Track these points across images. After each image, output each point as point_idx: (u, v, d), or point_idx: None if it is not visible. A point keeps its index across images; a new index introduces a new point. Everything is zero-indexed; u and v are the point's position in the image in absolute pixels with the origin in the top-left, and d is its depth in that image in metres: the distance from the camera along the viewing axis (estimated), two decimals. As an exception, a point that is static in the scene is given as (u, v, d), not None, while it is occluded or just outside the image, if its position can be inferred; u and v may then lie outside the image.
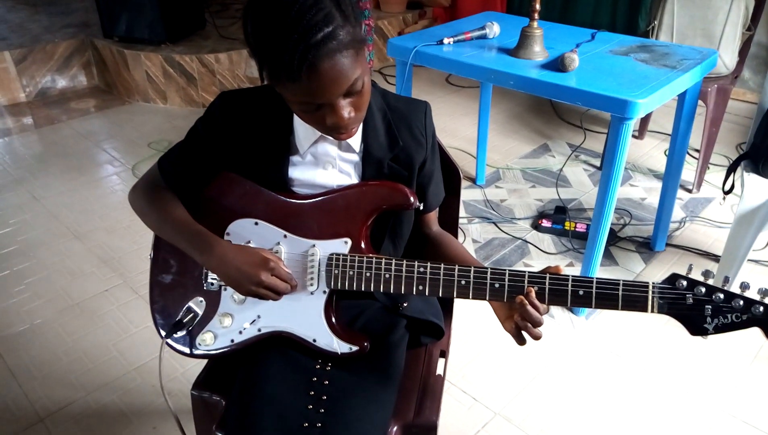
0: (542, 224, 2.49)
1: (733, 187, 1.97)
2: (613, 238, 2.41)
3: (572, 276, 0.94)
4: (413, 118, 1.08)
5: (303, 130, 1.04)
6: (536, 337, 0.93)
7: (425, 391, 1.15)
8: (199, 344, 1.11)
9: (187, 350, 1.13)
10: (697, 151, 2.76)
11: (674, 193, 2.28)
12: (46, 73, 3.99)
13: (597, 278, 0.93)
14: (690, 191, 2.76)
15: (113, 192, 2.88)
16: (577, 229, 2.44)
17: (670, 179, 2.25)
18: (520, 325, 0.93)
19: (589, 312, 2.03)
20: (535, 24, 1.95)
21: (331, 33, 0.82)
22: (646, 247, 2.39)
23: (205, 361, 1.24)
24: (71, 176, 3.00)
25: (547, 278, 0.94)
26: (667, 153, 3.08)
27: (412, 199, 1.03)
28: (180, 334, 1.13)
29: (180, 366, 1.84)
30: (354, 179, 1.07)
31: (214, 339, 1.11)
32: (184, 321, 1.11)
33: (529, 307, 0.91)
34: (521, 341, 0.95)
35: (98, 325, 2.05)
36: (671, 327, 1.99)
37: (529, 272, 0.95)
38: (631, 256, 2.34)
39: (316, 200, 1.06)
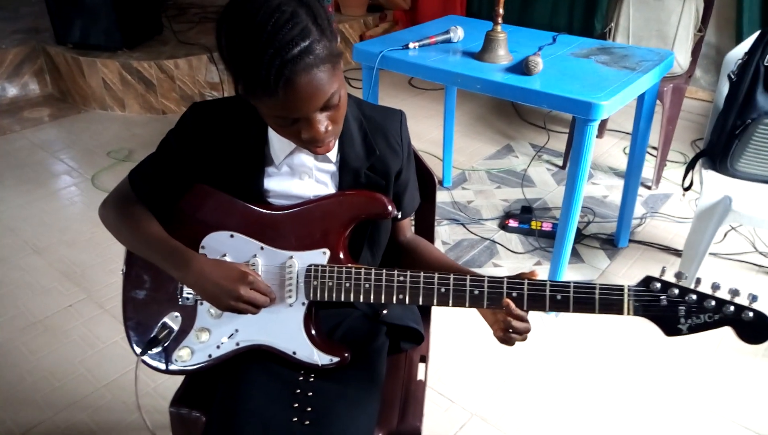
0: (509, 224, 2.52)
1: (692, 183, 2.04)
2: (579, 236, 2.47)
3: (550, 281, 0.95)
4: (389, 128, 1.08)
5: (278, 141, 1.03)
6: (524, 340, 0.96)
7: (408, 397, 1.15)
8: (176, 360, 1.09)
9: (163, 367, 1.11)
10: (654, 148, 2.84)
11: (635, 191, 2.34)
12: (-5, 82, 3.86)
13: (574, 283, 0.95)
14: (649, 188, 2.84)
15: (72, 204, 2.80)
16: (543, 229, 2.48)
17: (631, 177, 2.31)
18: (507, 337, 0.95)
19: (559, 310, 2.07)
20: (499, 28, 1.98)
21: (307, 47, 0.82)
22: (610, 244, 2.45)
23: (182, 376, 1.21)
24: (27, 188, 2.90)
25: (526, 284, 0.96)
26: (626, 151, 3.17)
27: (390, 207, 1.03)
28: (155, 350, 1.11)
29: (152, 381, 1.80)
30: (331, 189, 1.07)
31: (191, 354, 1.09)
32: (160, 337, 1.09)
33: (515, 321, 0.93)
34: (509, 343, 0.97)
35: (63, 342, 1.99)
36: (637, 323, 2.03)
37: (507, 278, 0.97)
38: (596, 253, 2.40)
39: (292, 211, 1.05)
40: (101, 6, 3.57)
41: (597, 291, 0.94)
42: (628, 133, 3.34)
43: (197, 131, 1.04)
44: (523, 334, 0.96)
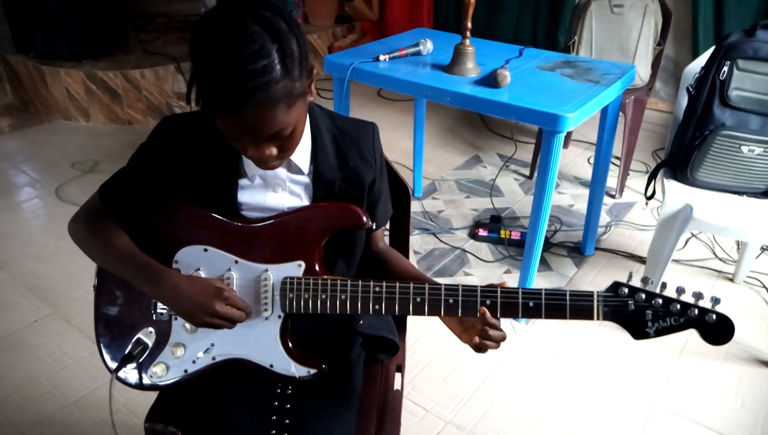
0: (479, 233, 2.56)
1: (654, 192, 2.11)
2: (546, 244, 2.52)
3: (522, 289, 0.98)
4: (362, 140, 1.10)
5: (252, 154, 1.03)
6: (497, 347, 0.98)
7: (385, 407, 1.16)
8: (151, 376, 1.08)
9: (137, 383, 1.10)
10: (617, 158, 2.92)
11: (601, 200, 2.41)
12: (-48, 91, 3.75)
13: (545, 290, 0.97)
14: (613, 197, 2.92)
15: (36, 216, 2.73)
16: (512, 238, 2.53)
17: (596, 187, 2.37)
18: (481, 344, 0.97)
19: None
20: (467, 41, 2.02)
21: (264, 84, 0.83)
22: (577, 252, 2.51)
23: (154, 392, 1.20)
24: (-12, 201, 2.83)
25: (499, 292, 0.98)
26: (590, 161, 3.25)
27: (365, 218, 1.05)
28: (130, 367, 1.09)
29: (122, 397, 1.77)
30: (305, 201, 1.08)
31: (167, 370, 1.08)
32: (134, 353, 1.08)
33: (491, 330, 0.95)
34: (482, 350, 0.98)
35: (28, 358, 1.94)
36: (604, 329, 2.09)
37: (481, 287, 0.99)
38: (563, 261, 2.45)
39: (267, 224, 1.06)
40: (64, 14, 3.50)
41: (568, 297, 0.97)
42: (592, 144, 3.43)
43: (169, 145, 1.04)
44: (498, 341, 0.98)
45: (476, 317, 0.98)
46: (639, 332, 0.97)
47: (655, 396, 1.84)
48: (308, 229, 1.05)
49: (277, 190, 1.06)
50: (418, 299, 1.00)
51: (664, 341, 1.99)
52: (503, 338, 0.99)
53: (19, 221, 2.68)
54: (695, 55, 3.45)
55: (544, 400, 1.82)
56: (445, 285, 0.99)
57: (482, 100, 1.87)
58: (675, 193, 1.94)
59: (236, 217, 1.07)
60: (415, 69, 2.12)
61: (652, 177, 2.09)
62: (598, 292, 0.97)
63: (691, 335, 0.95)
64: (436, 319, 1.03)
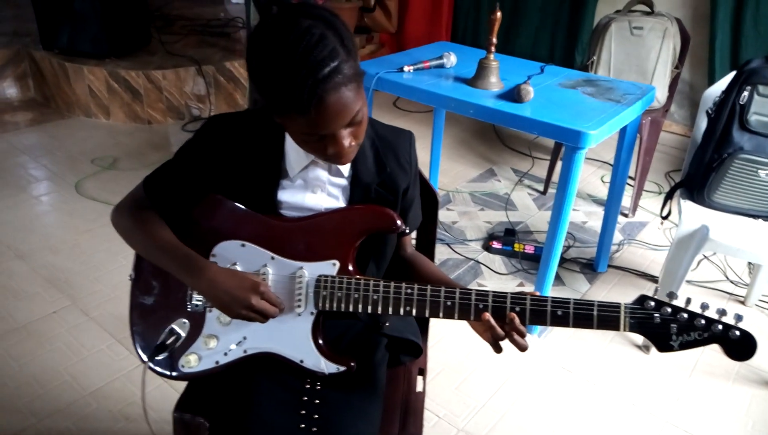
0: (493, 246, 2.59)
1: (669, 213, 2.13)
2: (560, 260, 2.53)
3: (551, 297, 1.01)
4: (399, 147, 1.13)
5: (294, 155, 1.07)
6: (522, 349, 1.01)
7: (408, 408, 1.19)
8: (182, 366, 1.11)
9: (168, 372, 1.12)
10: (632, 178, 2.95)
11: (615, 218, 2.43)
12: (-24, 84, 3.81)
13: (574, 300, 1.00)
14: (626, 216, 2.94)
15: (55, 210, 2.77)
16: (526, 251, 2.55)
17: (611, 205, 2.40)
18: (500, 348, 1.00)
19: (542, 329, 2.13)
20: (492, 56, 2.06)
21: (336, 67, 0.87)
22: (590, 268, 2.53)
23: (182, 383, 1.23)
24: (9, 193, 2.87)
25: (528, 300, 1.01)
26: (604, 179, 3.28)
27: (398, 222, 1.08)
28: (162, 356, 1.12)
29: (138, 390, 1.79)
30: (341, 203, 1.11)
31: (199, 361, 1.11)
32: (167, 343, 1.11)
33: (516, 336, 0.98)
34: (498, 350, 1.02)
35: (47, 348, 1.97)
36: (616, 344, 2.11)
37: (511, 294, 1.02)
38: (576, 277, 2.47)
39: (303, 222, 1.09)
40: (90, 13, 3.57)
41: (595, 308, 0.99)
42: (605, 162, 3.46)
43: (215, 142, 1.07)
44: (522, 349, 1.00)
45: (503, 323, 1.01)
46: (663, 345, 1.00)
47: (666, 414, 1.86)
48: (344, 229, 1.08)
49: (316, 191, 1.09)
50: (449, 303, 1.03)
51: (676, 360, 2.02)
52: (526, 348, 1.01)
53: (38, 214, 2.72)
54: (711, 79, 3.49)
55: (555, 413, 1.84)
56: (476, 290, 1.02)
57: (505, 114, 1.90)
58: (692, 213, 1.96)
59: (275, 215, 1.10)
60: (439, 81, 2.16)
61: (669, 197, 2.12)
62: (625, 303, 1.00)
63: (703, 354, 0.98)
64: (452, 326, 1.06)
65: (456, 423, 1.78)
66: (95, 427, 1.71)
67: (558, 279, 2.43)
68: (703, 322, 0.97)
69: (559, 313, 1.00)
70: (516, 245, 2.57)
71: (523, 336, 1.01)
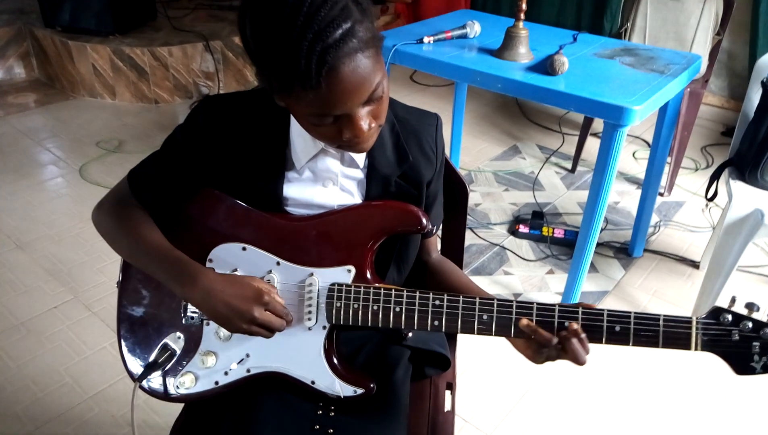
0: (519, 230, 2.42)
1: (716, 194, 1.95)
2: (591, 244, 2.36)
3: (607, 310, 0.85)
4: (424, 132, 0.96)
5: (301, 143, 0.91)
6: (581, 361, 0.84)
7: (435, 431, 1.04)
8: (178, 387, 0.97)
9: (163, 393, 0.99)
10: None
11: (654, 199, 2.25)
12: (-22, 64, 3.68)
13: (635, 313, 0.84)
14: (662, 195, 2.75)
15: (59, 196, 2.65)
16: (555, 235, 2.38)
17: (650, 186, 2.21)
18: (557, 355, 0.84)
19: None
20: (521, 24, 1.87)
21: (350, 29, 0.70)
22: (624, 253, 2.36)
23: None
24: (10, 178, 2.75)
25: (580, 313, 0.85)
26: (635, 155, 3.08)
27: (424, 221, 0.92)
28: (155, 375, 0.98)
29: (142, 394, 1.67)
30: (357, 199, 0.95)
31: (195, 381, 0.97)
32: (160, 361, 0.97)
33: (576, 343, 0.81)
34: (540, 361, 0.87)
35: (47, 347, 1.85)
36: (654, 351, 1.94)
37: (559, 306, 0.86)
38: (610, 263, 2.30)
39: (314, 222, 0.94)
40: (92, -12, 3.42)
41: (661, 323, 0.83)
42: (636, 137, 3.26)
43: (209, 128, 0.91)
44: (580, 363, 0.84)
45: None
46: (743, 367, 0.84)
47: (709, 415, 1.70)
48: (360, 230, 0.92)
49: (328, 184, 0.93)
50: (485, 317, 0.87)
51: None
52: (584, 361, 0.85)
53: (41, 201, 2.59)
54: (753, 45, 3.25)
55: (588, 420, 1.69)
56: (517, 302, 0.86)
57: (537, 89, 1.72)
58: (743, 196, 1.78)
59: (280, 213, 0.94)
60: (462, 52, 1.97)
61: (716, 177, 1.93)
62: (697, 318, 0.83)
63: None
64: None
65: (484, 428, 1.64)
66: (97, 434, 1.60)
67: (590, 265, 2.26)
68: (794, 340, 0.81)
69: (618, 328, 0.84)
70: (544, 229, 2.40)
71: (584, 344, 0.84)
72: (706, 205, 2.10)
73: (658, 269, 2.28)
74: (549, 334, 0.83)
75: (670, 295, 2.13)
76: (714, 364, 0.85)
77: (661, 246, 2.41)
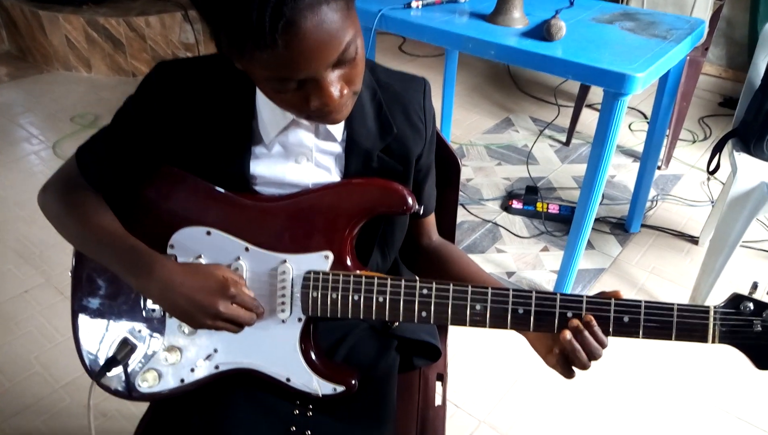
0: (512, 205, 2.33)
1: (718, 167, 1.86)
2: (587, 219, 2.28)
3: (615, 299, 0.76)
4: (410, 99, 0.86)
5: (269, 113, 0.80)
6: (585, 368, 0.75)
7: (424, 428, 0.96)
8: (140, 385, 0.88)
9: (125, 392, 0.90)
10: (665, 125, 2.65)
11: (652, 173, 2.16)
12: (-54, 37, 3.51)
13: (645, 302, 0.75)
14: (659, 168, 2.66)
15: (32, 174, 2.52)
16: (549, 211, 2.29)
17: (648, 159, 2.12)
18: (570, 356, 0.74)
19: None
20: (515, -13, 1.75)
21: None
22: (621, 229, 2.28)
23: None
24: (-20, 156, 2.62)
25: (584, 301, 0.76)
26: (631, 127, 2.99)
27: (410, 200, 0.82)
28: (114, 372, 0.89)
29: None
30: (335, 176, 0.85)
31: (159, 379, 0.88)
32: (119, 357, 0.87)
33: (589, 337, 0.72)
34: (570, 375, 0.76)
35: (16, 333, 1.75)
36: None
37: (561, 295, 0.77)
38: (606, 239, 2.22)
39: (287, 202, 0.84)
40: (63, -46, 3.24)
41: (675, 312, 0.74)
42: (631, 108, 3.15)
43: (164, 98, 0.80)
44: (592, 358, 0.75)
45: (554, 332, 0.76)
46: (765, 360, 0.75)
47: (708, 397, 1.63)
48: (338, 211, 0.82)
49: (301, 160, 0.83)
50: (478, 307, 0.78)
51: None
52: (598, 355, 0.75)
53: (12, 180, 2.47)
54: (753, 13, 3.14)
55: (584, 404, 1.62)
56: (514, 291, 0.77)
57: (532, 55, 1.61)
58: (749, 168, 1.69)
59: (248, 192, 0.84)
60: (452, 18, 1.85)
61: (718, 149, 1.84)
62: (714, 306, 0.75)
63: None
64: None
65: (477, 414, 1.57)
66: (69, 425, 1.51)
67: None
68: (823, 331, 0.72)
69: (626, 319, 0.75)
70: (538, 204, 2.31)
71: (601, 343, 0.75)
72: (708, 179, 2.02)
73: (656, 245, 2.20)
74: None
75: (668, 271, 2.06)
76: (707, 348, 0.77)
77: (658, 221, 2.33)
